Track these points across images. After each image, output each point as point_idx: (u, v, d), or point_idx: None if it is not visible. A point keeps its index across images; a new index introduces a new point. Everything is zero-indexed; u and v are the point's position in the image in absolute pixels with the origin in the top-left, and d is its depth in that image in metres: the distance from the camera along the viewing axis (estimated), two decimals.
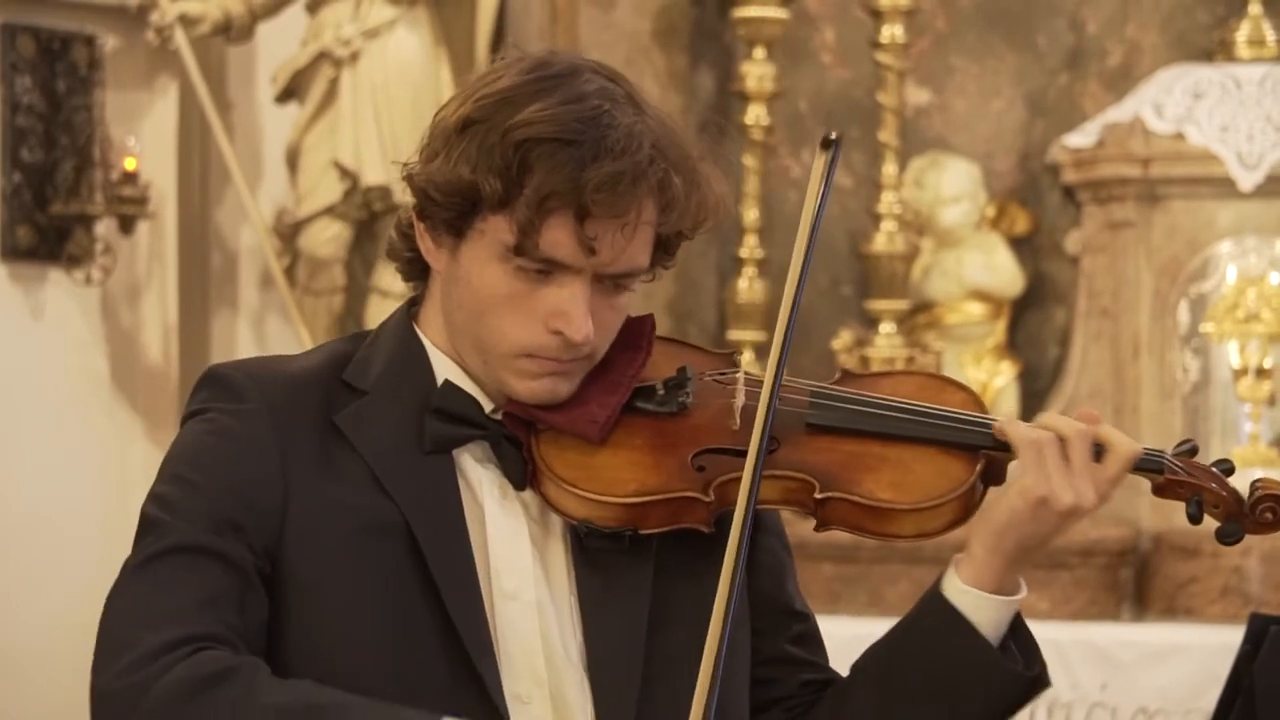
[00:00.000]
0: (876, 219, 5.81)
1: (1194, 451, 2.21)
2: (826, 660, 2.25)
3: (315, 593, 2.03)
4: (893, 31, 5.75)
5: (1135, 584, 5.59)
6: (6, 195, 5.79)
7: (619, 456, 2.08)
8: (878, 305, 5.82)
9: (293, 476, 2.05)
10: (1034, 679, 2.13)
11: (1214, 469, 2.19)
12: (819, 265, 6.11)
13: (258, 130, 6.31)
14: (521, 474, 2.09)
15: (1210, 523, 2.19)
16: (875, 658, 2.17)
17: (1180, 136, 5.67)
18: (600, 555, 2.07)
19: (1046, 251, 6.00)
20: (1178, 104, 5.69)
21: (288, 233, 5.95)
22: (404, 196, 2.12)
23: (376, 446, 2.07)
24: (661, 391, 2.13)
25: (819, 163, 2.10)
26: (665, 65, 6.02)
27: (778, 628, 2.20)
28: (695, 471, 2.07)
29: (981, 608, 2.11)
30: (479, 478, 2.09)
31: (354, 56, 5.81)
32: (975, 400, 2.18)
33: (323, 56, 5.84)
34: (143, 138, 5.97)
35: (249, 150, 6.24)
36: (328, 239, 5.88)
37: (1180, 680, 5.14)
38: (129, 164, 5.88)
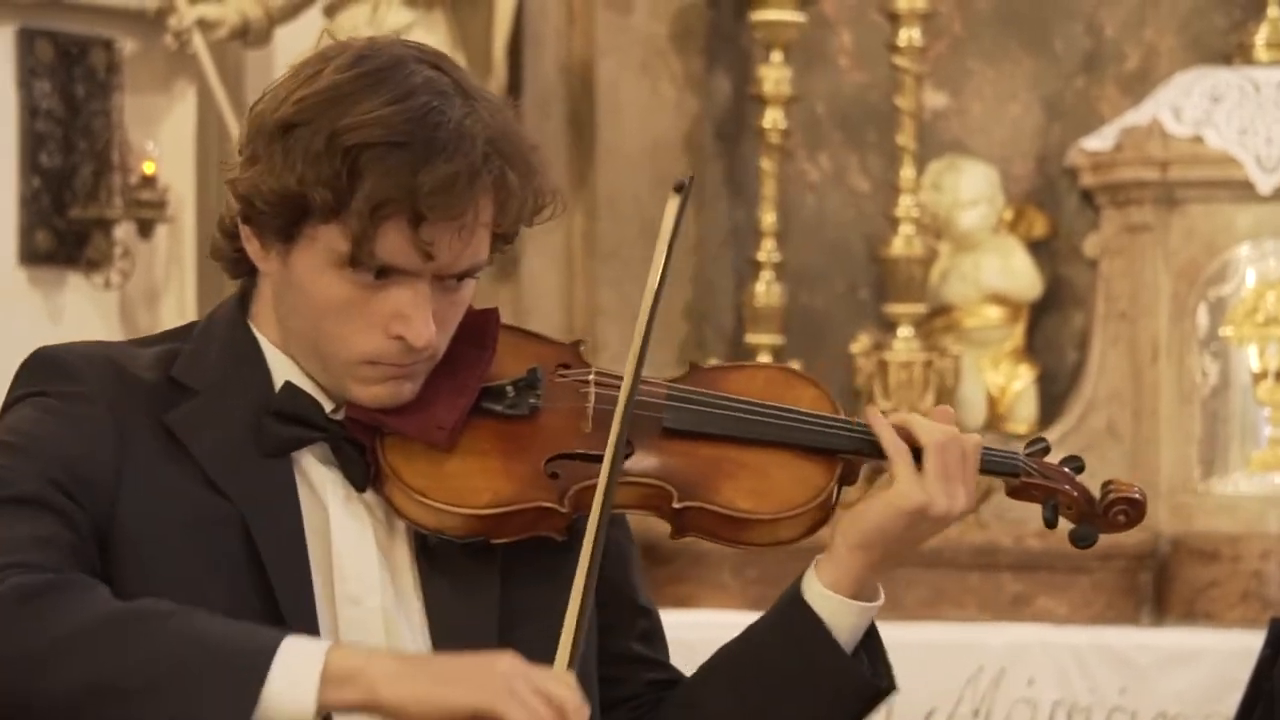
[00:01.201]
0: (894, 222, 5.80)
1: (1046, 451, 2.16)
2: (669, 658, 2.19)
3: (141, 587, 1.92)
4: (909, 35, 5.74)
5: (1154, 588, 5.58)
6: (25, 200, 5.80)
7: (469, 463, 2.01)
8: (895, 309, 5.81)
9: (126, 465, 1.97)
10: (884, 688, 2.10)
11: (1066, 469, 2.14)
12: (837, 269, 6.11)
13: None
14: (363, 476, 2.02)
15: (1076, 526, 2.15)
16: (730, 659, 2.13)
17: (1198, 139, 5.66)
18: (446, 559, 2.01)
19: (1064, 255, 6.00)
20: (1196, 107, 5.68)
21: None
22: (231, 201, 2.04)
23: (211, 449, 1.99)
24: (511, 393, 2.05)
25: (670, 207, 2.06)
26: (682, 68, 6.02)
27: (624, 624, 2.14)
28: (549, 479, 2.00)
29: (841, 613, 2.07)
30: (322, 479, 2.03)
31: None
32: (826, 396, 2.12)
33: None
34: (161, 142, 5.98)
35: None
36: None
37: (1199, 684, 5.13)
38: (147, 168, 5.89)
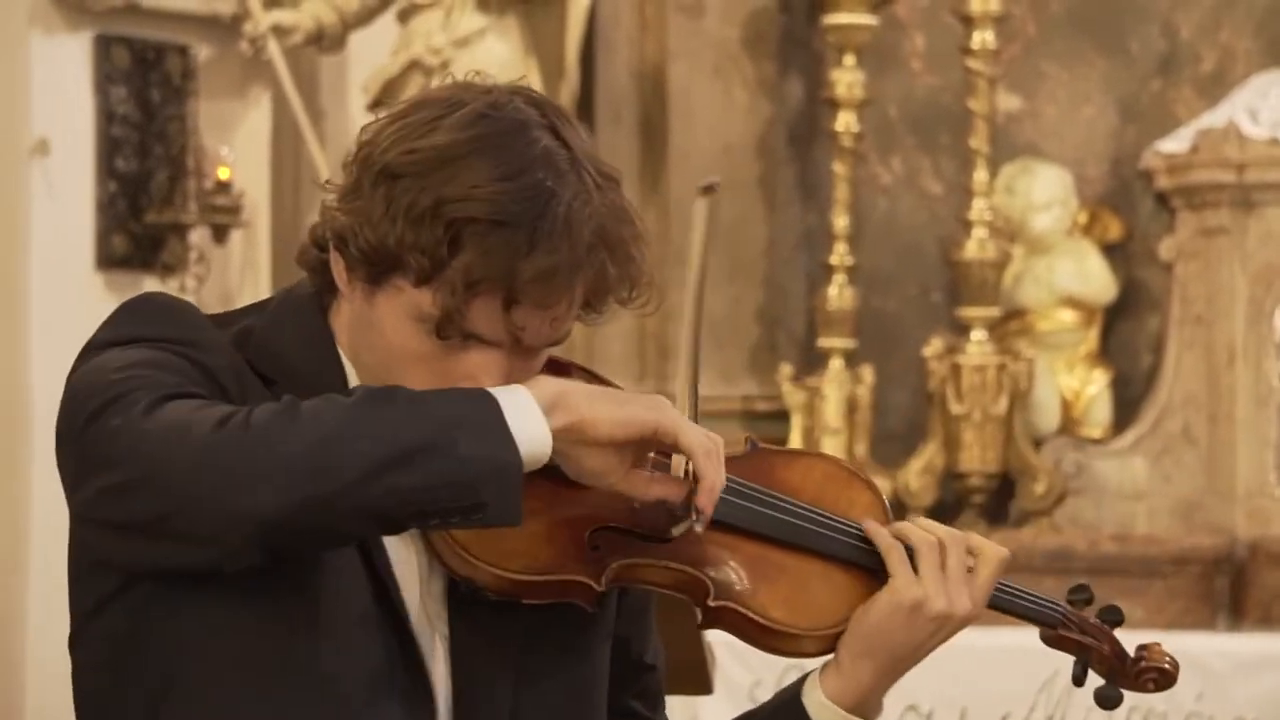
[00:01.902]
0: (967, 226, 5.79)
1: (1089, 601, 2.16)
2: (663, 715, 2.18)
3: None
4: (983, 37, 5.72)
5: (1231, 593, 5.54)
6: (102, 204, 5.85)
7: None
8: (969, 312, 5.79)
9: None
10: None
11: (1105, 625, 2.15)
12: (909, 272, 6.09)
13: (350, 139, 6.31)
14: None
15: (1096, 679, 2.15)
16: None
17: (1275, 142, 5.63)
18: (477, 603, 1.99)
19: (1139, 258, 5.96)
20: (1273, 109, 5.65)
21: None
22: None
23: None
24: None
25: (700, 208, 2.08)
26: (754, 73, 6.02)
27: (626, 678, 2.13)
28: (590, 551, 1.97)
29: None
30: None
31: (444, 65, 5.83)
32: (879, 502, 2.10)
33: (414, 65, 5.87)
34: (236, 147, 6.01)
35: (341, 159, 6.27)
36: None
37: (1277, 690, 5.10)
38: (222, 173, 5.93)
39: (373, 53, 6.05)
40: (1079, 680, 2.14)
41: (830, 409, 5.76)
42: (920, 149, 6.08)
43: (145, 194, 5.91)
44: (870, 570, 2.06)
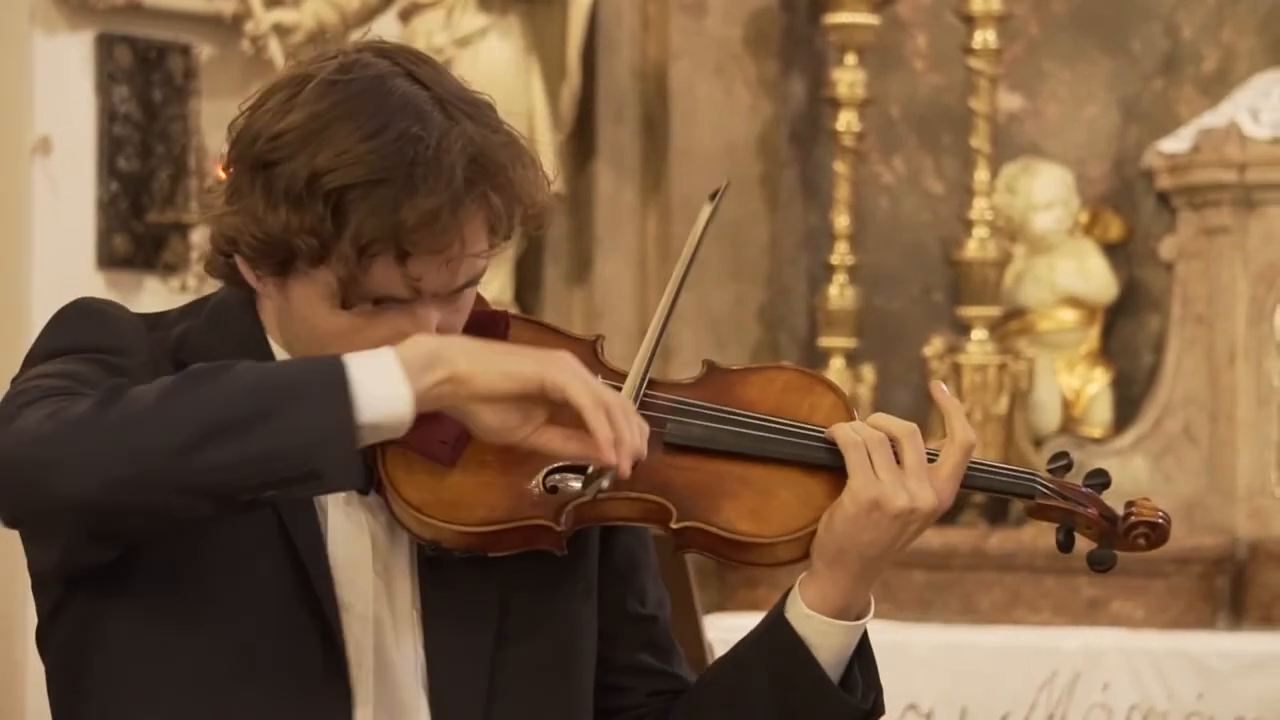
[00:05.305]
0: (968, 225, 5.79)
1: (1068, 468, 2.11)
2: (679, 663, 2.17)
3: (171, 559, 1.95)
4: (985, 37, 5.72)
5: (1231, 592, 5.54)
6: (104, 204, 5.85)
7: (468, 478, 1.97)
8: (970, 312, 5.80)
9: None
10: (868, 711, 2.06)
11: (1087, 489, 2.09)
12: (911, 272, 6.09)
13: None
14: (366, 482, 1.98)
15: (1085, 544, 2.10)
16: (720, 674, 2.12)
17: (1277, 141, 5.63)
18: (446, 569, 1.99)
19: (1140, 258, 5.97)
20: (1274, 109, 5.65)
21: None
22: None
23: None
24: None
25: (705, 211, 2.08)
26: (756, 72, 6.02)
27: (629, 634, 2.13)
28: (547, 493, 1.96)
29: (824, 633, 2.03)
30: None
31: (446, 64, 5.83)
32: (842, 404, 2.07)
33: None
34: None
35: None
36: None
37: (1277, 689, 5.10)
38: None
39: None
40: (1064, 546, 2.09)
41: None
42: (922, 148, 6.08)
43: (147, 193, 5.91)
44: (837, 471, 2.02)
